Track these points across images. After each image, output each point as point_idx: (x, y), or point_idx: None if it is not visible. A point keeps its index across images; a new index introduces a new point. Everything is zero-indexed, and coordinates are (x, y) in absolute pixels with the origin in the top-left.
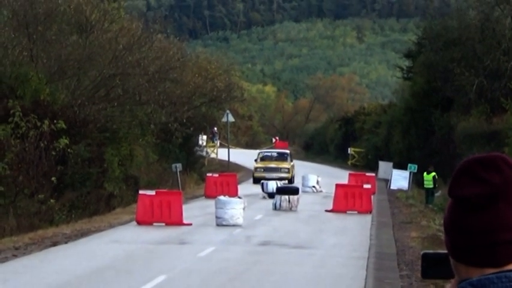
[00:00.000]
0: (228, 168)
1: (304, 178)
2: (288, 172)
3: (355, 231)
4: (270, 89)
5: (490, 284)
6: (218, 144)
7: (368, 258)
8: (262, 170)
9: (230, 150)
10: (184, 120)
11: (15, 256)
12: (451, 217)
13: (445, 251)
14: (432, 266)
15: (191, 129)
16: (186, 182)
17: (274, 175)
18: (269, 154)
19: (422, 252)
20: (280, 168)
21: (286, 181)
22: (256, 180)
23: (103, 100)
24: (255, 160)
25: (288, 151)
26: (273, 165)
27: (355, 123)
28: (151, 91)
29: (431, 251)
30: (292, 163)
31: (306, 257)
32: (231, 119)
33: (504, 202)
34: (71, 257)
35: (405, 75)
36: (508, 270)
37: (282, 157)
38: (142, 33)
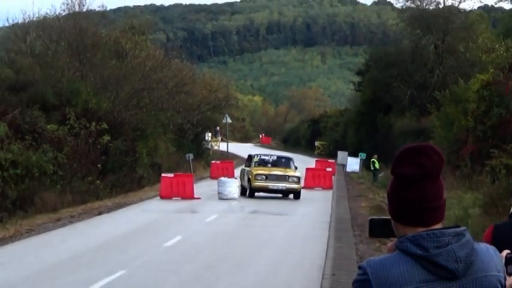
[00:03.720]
0: (227, 157)
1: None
2: (298, 182)
3: (320, 203)
4: (257, 98)
5: (420, 239)
6: (220, 139)
7: (330, 222)
8: (265, 177)
9: (228, 143)
10: (195, 122)
11: (71, 222)
12: (392, 190)
13: (387, 217)
14: (377, 228)
15: (200, 128)
16: (196, 167)
17: (280, 185)
18: (267, 158)
19: (369, 218)
20: (288, 177)
21: (292, 195)
22: (253, 192)
23: (135, 107)
24: (249, 166)
25: (289, 155)
26: (278, 172)
27: (320, 123)
28: (170, 101)
29: (376, 217)
30: (297, 172)
31: (285, 221)
32: (229, 120)
33: (431, 180)
34: (111, 223)
35: (356, 88)
36: (434, 229)
37: (286, 163)
38: (163, 58)
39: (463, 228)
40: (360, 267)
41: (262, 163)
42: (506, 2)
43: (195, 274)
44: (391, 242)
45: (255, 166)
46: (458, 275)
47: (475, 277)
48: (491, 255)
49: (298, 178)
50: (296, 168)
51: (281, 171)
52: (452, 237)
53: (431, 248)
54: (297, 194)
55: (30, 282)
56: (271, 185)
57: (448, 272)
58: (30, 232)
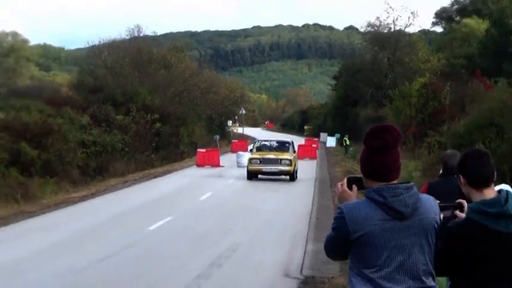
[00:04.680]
0: (243, 137)
1: (292, 141)
2: (290, 164)
3: (308, 168)
4: (263, 96)
5: (381, 190)
6: (237, 125)
7: (315, 181)
8: (259, 161)
9: (244, 128)
10: (220, 113)
11: (134, 184)
12: (363, 157)
13: (360, 175)
14: (352, 183)
15: (223, 117)
16: (221, 144)
17: (273, 167)
18: (267, 143)
19: (347, 176)
20: (281, 160)
21: (288, 176)
22: (251, 175)
23: (177, 103)
24: (250, 150)
25: (290, 140)
26: (271, 155)
27: (308, 113)
28: (202, 98)
29: (351, 175)
30: (294, 154)
31: (283, 183)
32: (244, 112)
33: (392, 149)
34: (162, 184)
35: (333, 88)
36: (392, 184)
37: (283, 147)
38: (197, 69)
39: (412, 183)
40: (339, 208)
41: (263, 148)
42: (438, 26)
43: (221, 218)
44: (339, 189)
45: (255, 151)
46: (407, 216)
47: (419, 218)
48: (431, 203)
49: (290, 161)
50: (295, 152)
51: (275, 155)
52: (404, 189)
53: (389, 196)
54: (290, 176)
55: (109, 223)
56: (265, 168)
57: (399, 213)
58: (106, 191)
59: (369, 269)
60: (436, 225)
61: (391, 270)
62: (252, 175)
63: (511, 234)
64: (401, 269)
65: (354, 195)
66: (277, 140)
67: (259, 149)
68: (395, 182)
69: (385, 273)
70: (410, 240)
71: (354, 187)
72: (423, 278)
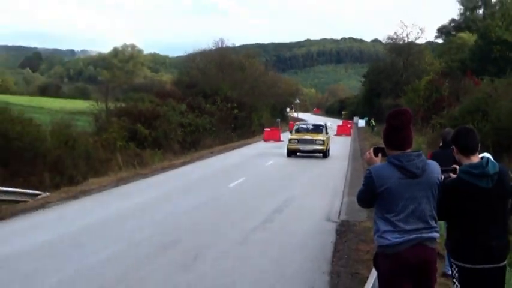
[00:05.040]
0: (297, 119)
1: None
2: (323, 144)
3: (344, 142)
4: (312, 90)
5: (399, 156)
6: (293, 110)
7: (349, 152)
8: (297, 141)
9: (298, 113)
10: (281, 102)
11: (219, 154)
12: (386, 132)
13: (382, 146)
14: (377, 151)
15: (283, 105)
16: (281, 125)
17: (309, 147)
18: (305, 126)
19: (373, 147)
20: (315, 140)
21: (321, 154)
22: (290, 153)
23: (250, 95)
24: (290, 132)
25: (323, 123)
26: (307, 136)
27: (344, 102)
28: (268, 92)
29: (376, 146)
30: (327, 135)
31: (310, 171)
32: (298, 101)
33: (406, 127)
34: (238, 154)
35: (362, 84)
36: (406, 152)
37: (317, 129)
38: (264, 70)
39: (421, 152)
40: (367, 169)
41: (301, 130)
42: (439, 38)
43: (281, 178)
44: (369, 157)
45: (295, 133)
46: (418, 175)
47: (426, 177)
48: (435, 166)
49: (323, 141)
50: (327, 133)
51: (311, 136)
52: (415, 156)
53: (404, 161)
54: (323, 154)
55: (200, 182)
56: (301, 147)
57: (412, 173)
58: (198, 159)
59: (390, 214)
60: (438, 182)
61: (406, 215)
62: (291, 153)
63: (490, 189)
64: (413, 214)
65: (378, 161)
66: (312, 123)
67: (297, 130)
68: (409, 150)
69: (402, 217)
70: (420, 193)
71: (379, 155)
72: (429, 220)
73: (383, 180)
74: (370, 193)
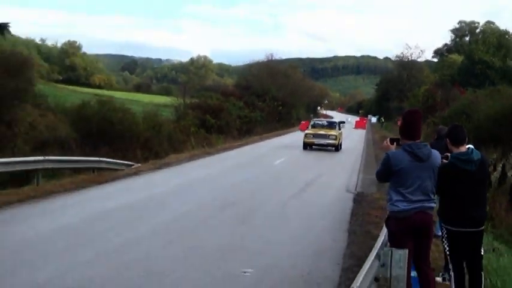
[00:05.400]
0: (326, 115)
1: (340, 120)
2: (335, 139)
3: (360, 134)
4: (337, 94)
5: (411, 145)
6: (323, 108)
7: (364, 142)
8: (312, 136)
9: (326, 111)
10: (313, 102)
11: (266, 139)
12: (402, 126)
13: (397, 137)
14: (393, 140)
15: (315, 104)
16: (313, 119)
17: (323, 141)
18: (320, 122)
19: (389, 138)
20: (328, 135)
21: (333, 148)
22: (306, 146)
23: (291, 96)
24: (307, 127)
25: (337, 120)
26: (322, 132)
27: (362, 103)
28: (305, 94)
29: (392, 137)
30: (340, 131)
31: (344, 142)
32: (326, 102)
33: (418, 124)
34: (280, 140)
35: (376, 90)
36: (416, 142)
37: (331, 125)
38: (302, 78)
39: (427, 143)
40: (386, 153)
41: (317, 125)
42: (435, 58)
43: (312, 159)
44: (387, 145)
45: (311, 128)
46: (424, 160)
47: (430, 161)
48: (436, 154)
49: (336, 136)
50: (340, 129)
51: (325, 131)
52: (423, 146)
53: (415, 148)
54: (335, 148)
55: (253, 160)
56: (316, 141)
57: (420, 158)
58: (251, 143)
59: (401, 187)
60: (437, 166)
61: (413, 189)
62: (306, 146)
63: (474, 171)
64: (419, 189)
65: (393, 148)
66: (327, 120)
67: (313, 126)
68: (418, 141)
69: (410, 190)
70: (424, 174)
71: (394, 144)
72: (430, 194)
73: (398, 161)
74: (387, 171)
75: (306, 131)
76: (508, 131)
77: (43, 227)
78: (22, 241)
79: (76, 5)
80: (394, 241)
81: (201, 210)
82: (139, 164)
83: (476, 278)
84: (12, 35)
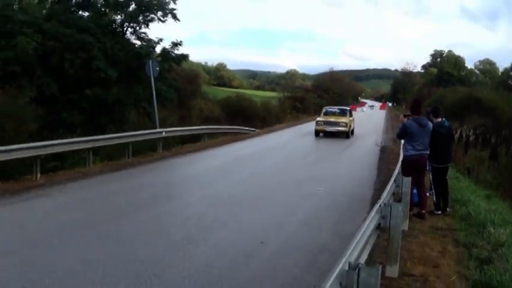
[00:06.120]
0: (363, 104)
1: (371, 105)
2: (346, 126)
3: (382, 113)
4: (369, 90)
5: (417, 118)
6: (361, 99)
7: (385, 118)
8: (323, 123)
9: (363, 100)
10: (356, 93)
11: (296, 125)
12: (411, 107)
13: (408, 113)
14: (405, 116)
15: (357, 95)
16: (355, 104)
17: (333, 128)
18: (332, 110)
19: (403, 114)
20: (339, 122)
21: (345, 135)
22: (317, 133)
23: (343, 91)
24: (319, 114)
25: (348, 108)
26: (332, 119)
27: (384, 95)
28: (351, 90)
29: (405, 113)
30: (351, 118)
31: (366, 123)
32: (363, 94)
33: (420, 105)
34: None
35: (391, 89)
36: (420, 116)
37: (342, 112)
38: (350, 80)
39: (424, 117)
40: (402, 123)
41: (328, 113)
42: (422, 70)
43: (327, 142)
44: (402, 118)
45: (323, 115)
46: (424, 126)
47: (427, 127)
48: (430, 124)
49: (346, 123)
50: (351, 116)
51: (336, 118)
52: (423, 119)
53: (420, 120)
54: (346, 134)
55: (286, 139)
56: (327, 128)
57: (422, 125)
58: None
59: (412, 142)
60: (431, 130)
61: (419, 143)
62: (318, 133)
63: (445, 133)
64: (422, 143)
65: (405, 120)
66: (338, 107)
67: (325, 113)
68: (420, 116)
69: (417, 144)
70: (425, 134)
71: (407, 118)
72: (427, 146)
73: (410, 127)
74: (404, 133)
75: (318, 118)
76: (463, 111)
77: (207, 165)
78: (194, 173)
79: (225, 42)
80: (405, 172)
81: (290, 158)
82: (258, 130)
83: (446, 193)
84: (189, 61)
